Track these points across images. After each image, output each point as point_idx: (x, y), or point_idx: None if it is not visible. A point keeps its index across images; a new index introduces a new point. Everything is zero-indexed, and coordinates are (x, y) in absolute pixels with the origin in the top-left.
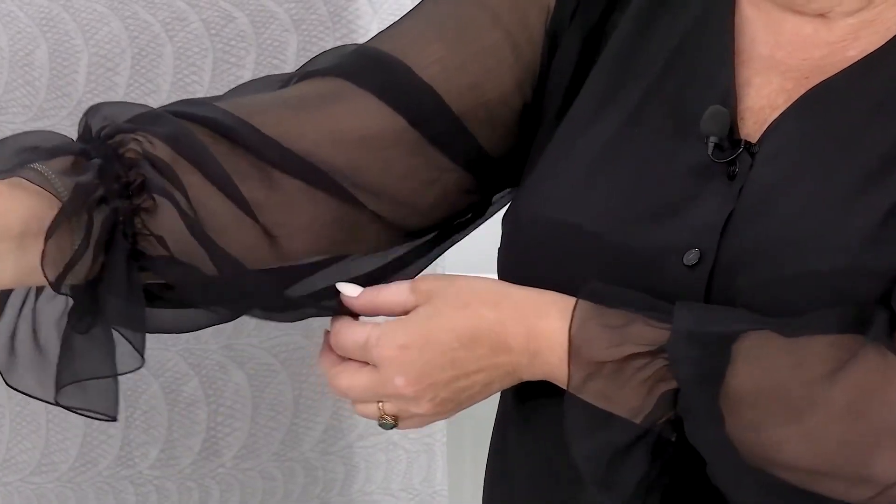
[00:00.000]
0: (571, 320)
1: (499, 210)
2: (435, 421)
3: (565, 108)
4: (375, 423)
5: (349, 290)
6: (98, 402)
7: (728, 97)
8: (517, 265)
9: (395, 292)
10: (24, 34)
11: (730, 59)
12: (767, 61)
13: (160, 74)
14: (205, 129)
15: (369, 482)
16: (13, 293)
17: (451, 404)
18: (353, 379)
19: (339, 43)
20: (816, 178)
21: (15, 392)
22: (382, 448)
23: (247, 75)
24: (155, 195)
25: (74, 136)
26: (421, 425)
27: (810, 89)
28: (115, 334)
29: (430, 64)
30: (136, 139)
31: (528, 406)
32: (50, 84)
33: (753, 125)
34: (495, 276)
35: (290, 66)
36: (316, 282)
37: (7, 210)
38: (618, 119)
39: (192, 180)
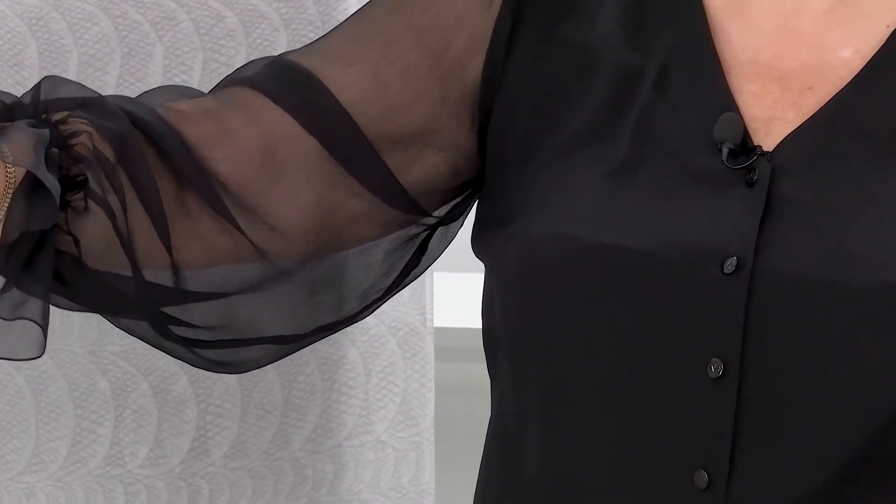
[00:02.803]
0: None
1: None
2: None
3: (539, 125)
4: (364, 422)
5: None
6: None
7: (729, 106)
8: (538, 290)
9: None
10: (13, 34)
11: (719, 70)
12: (753, 66)
13: (150, 74)
14: (140, 132)
15: (358, 481)
16: None
17: None
18: None
19: None
20: (856, 193)
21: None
22: (371, 447)
23: None
24: (89, 201)
25: None
26: None
27: (825, 105)
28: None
29: (348, 85)
30: (88, 132)
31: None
32: None
33: (765, 136)
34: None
35: None
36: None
37: None
38: (626, 134)
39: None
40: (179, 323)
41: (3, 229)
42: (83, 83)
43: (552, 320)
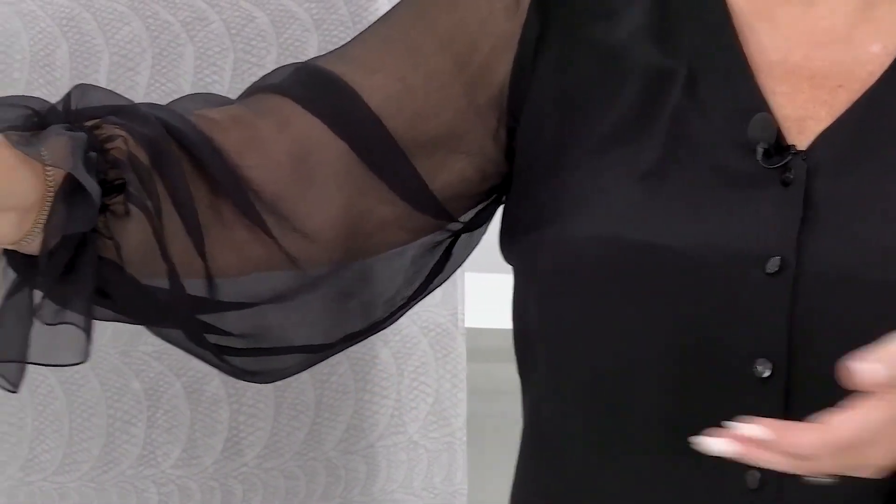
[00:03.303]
0: None
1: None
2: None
3: (567, 129)
4: (396, 422)
5: (878, 373)
6: (6, 374)
7: (761, 107)
8: (578, 292)
9: None
10: (44, 34)
11: (748, 71)
12: (784, 67)
13: (181, 74)
14: (172, 139)
15: (390, 481)
16: None
17: None
18: (832, 461)
19: None
20: (891, 189)
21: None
22: (403, 447)
23: None
24: (129, 204)
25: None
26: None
27: (856, 101)
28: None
29: (377, 90)
30: (122, 136)
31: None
32: (71, 84)
33: (798, 134)
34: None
35: None
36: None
37: (31, 187)
38: (660, 136)
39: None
40: (212, 330)
41: (43, 233)
42: (114, 83)
43: (594, 323)
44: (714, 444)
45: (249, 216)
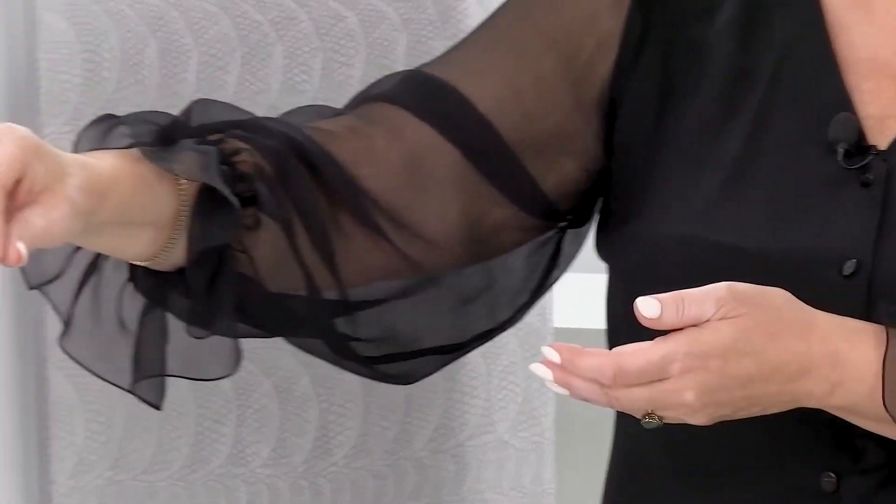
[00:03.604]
0: (886, 350)
1: None
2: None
3: (661, 126)
4: (485, 421)
5: (650, 309)
6: (148, 391)
7: (844, 105)
8: (661, 290)
9: (700, 301)
10: (134, 33)
11: (835, 67)
12: (872, 64)
13: (270, 74)
14: (294, 152)
15: (480, 481)
16: (79, 254)
17: (723, 417)
18: (631, 393)
19: (448, 43)
20: None
21: (128, 392)
22: (493, 447)
23: (356, 75)
24: (261, 215)
25: None
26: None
27: None
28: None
29: (485, 95)
30: (247, 149)
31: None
32: (160, 83)
33: (878, 134)
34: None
35: (399, 66)
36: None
37: (166, 203)
38: (740, 134)
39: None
40: (348, 338)
41: (187, 247)
42: (203, 83)
43: None
44: (536, 368)
45: (369, 225)
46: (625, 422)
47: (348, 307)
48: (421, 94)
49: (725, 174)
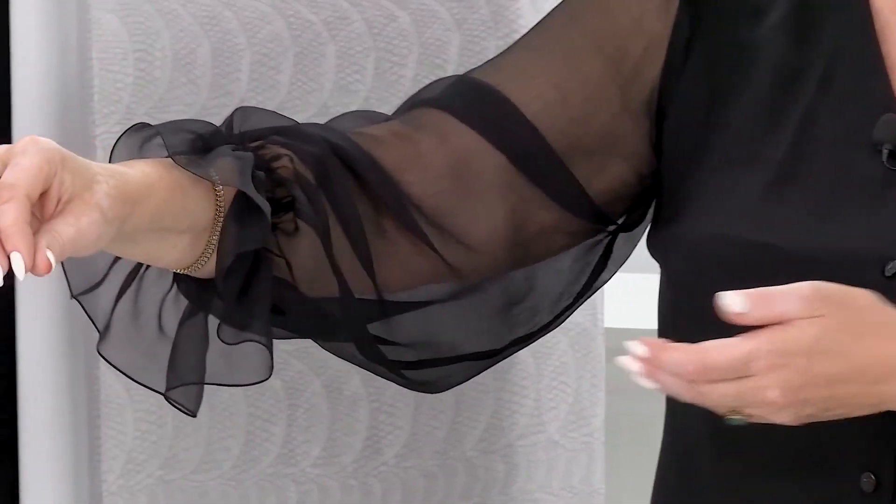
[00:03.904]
0: None
1: None
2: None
3: (708, 126)
4: (536, 422)
5: (736, 304)
6: (185, 397)
7: (890, 107)
8: (702, 290)
9: (785, 298)
10: (186, 32)
11: (882, 69)
12: None
13: (322, 73)
14: (336, 157)
15: (530, 481)
16: (119, 262)
17: (810, 417)
18: (716, 388)
19: (500, 43)
20: None
21: (164, 396)
22: (542, 447)
23: (409, 74)
24: (299, 220)
25: None
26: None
27: None
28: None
29: (533, 99)
30: (288, 155)
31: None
32: (212, 83)
33: None
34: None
35: (451, 66)
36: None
37: (202, 209)
38: (787, 135)
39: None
40: (384, 342)
41: (218, 253)
42: (255, 82)
43: (718, 324)
44: (624, 362)
45: (412, 230)
46: (673, 421)
47: (385, 310)
48: (468, 99)
49: (769, 175)
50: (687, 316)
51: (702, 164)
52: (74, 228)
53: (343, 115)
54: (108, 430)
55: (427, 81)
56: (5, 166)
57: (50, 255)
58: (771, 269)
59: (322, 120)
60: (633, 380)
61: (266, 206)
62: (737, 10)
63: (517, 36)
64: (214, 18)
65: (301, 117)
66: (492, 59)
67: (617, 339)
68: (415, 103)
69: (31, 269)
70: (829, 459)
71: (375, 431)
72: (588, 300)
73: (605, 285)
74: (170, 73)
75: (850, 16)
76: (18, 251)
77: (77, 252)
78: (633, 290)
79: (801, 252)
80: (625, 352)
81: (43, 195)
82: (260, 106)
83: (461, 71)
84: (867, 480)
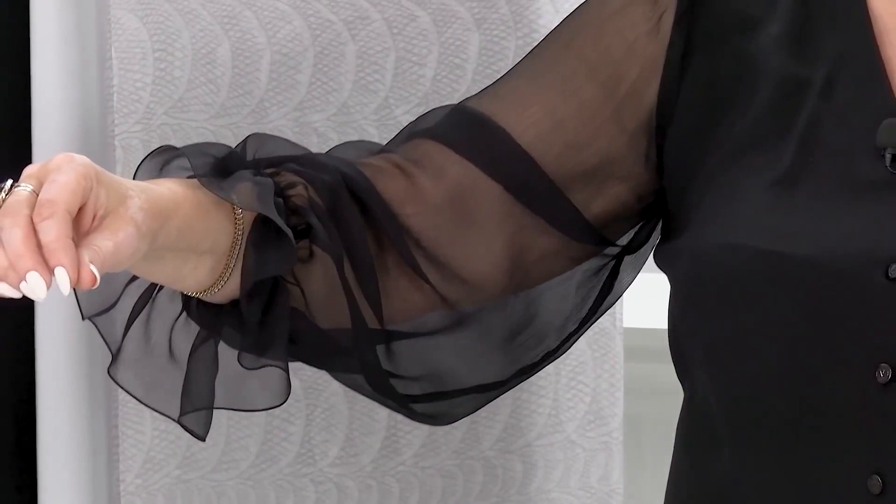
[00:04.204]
0: None
1: None
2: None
3: (712, 139)
4: (554, 421)
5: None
6: (195, 423)
7: (893, 111)
8: (709, 301)
9: None
10: (206, 32)
11: (883, 75)
12: None
13: (342, 73)
14: (346, 188)
15: (547, 480)
16: (130, 286)
17: None
18: None
19: (520, 42)
20: None
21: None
22: (560, 446)
23: (428, 74)
24: (314, 247)
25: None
26: None
27: None
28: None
29: (528, 128)
30: (302, 183)
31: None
32: (232, 82)
33: None
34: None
35: (471, 65)
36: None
37: (224, 231)
38: (791, 144)
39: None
40: (392, 375)
41: (241, 277)
42: (275, 82)
43: (724, 331)
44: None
45: (409, 263)
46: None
47: (390, 337)
48: (464, 130)
49: (774, 184)
50: (695, 327)
51: (706, 176)
52: (113, 242)
53: (341, 144)
54: (126, 430)
55: (447, 81)
56: (41, 184)
57: (94, 268)
58: (779, 277)
59: (342, 120)
60: (650, 380)
61: (289, 232)
62: (731, 24)
63: (537, 36)
64: (234, 18)
65: (320, 117)
66: (487, 87)
67: (636, 339)
68: (411, 134)
69: (76, 283)
70: (835, 463)
71: (394, 431)
72: (586, 329)
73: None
74: (189, 72)
75: (849, 24)
76: (63, 266)
77: (115, 266)
78: (652, 290)
79: (806, 257)
80: (643, 351)
81: (79, 211)
82: (280, 105)
83: (481, 71)
84: (874, 482)
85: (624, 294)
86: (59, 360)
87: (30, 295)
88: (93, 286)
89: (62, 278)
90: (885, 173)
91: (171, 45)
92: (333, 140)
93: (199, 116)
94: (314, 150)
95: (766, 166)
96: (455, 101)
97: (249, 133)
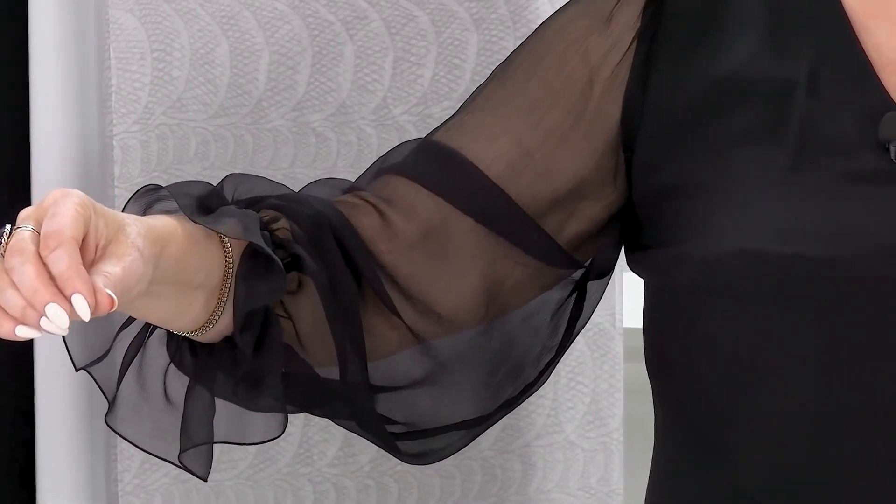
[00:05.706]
0: None
1: None
2: None
3: (694, 147)
4: (553, 422)
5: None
6: (195, 461)
7: (889, 105)
8: (722, 309)
9: None
10: (205, 32)
11: (871, 72)
12: None
13: (340, 73)
14: (327, 225)
15: (546, 481)
16: (123, 334)
17: None
18: None
19: (519, 42)
20: None
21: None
22: (560, 447)
23: (427, 74)
24: (302, 276)
25: (254, 133)
26: None
27: None
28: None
29: (496, 160)
30: (284, 218)
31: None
32: (230, 82)
33: None
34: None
35: (470, 65)
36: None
37: (214, 265)
38: (789, 145)
39: None
40: (384, 420)
41: (234, 308)
42: (273, 81)
43: (748, 337)
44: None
45: (384, 300)
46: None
47: (372, 389)
48: (432, 165)
49: (777, 184)
50: (699, 337)
51: (695, 183)
52: (121, 268)
53: (313, 183)
54: None
55: (445, 81)
56: (40, 222)
57: (110, 291)
58: (790, 278)
59: (340, 120)
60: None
61: (278, 260)
62: (696, 32)
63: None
64: (233, 18)
65: (319, 117)
66: (453, 117)
67: (636, 339)
68: (380, 171)
69: (96, 309)
70: (862, 463)
71: None
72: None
73: (624, 285)
74: (188, 72)
75: (825, 24)
76: (80, 293)
77: (125, 292)
78: None
79: (820, 257)
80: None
81: (82, 243)
82: (278, 105)
83: (479, 71)
84: None
85: (623, 294)
86: (58, 359)
87: (53, 330)
88: (111, 309)
89: (81, 305)
90: (891, 166)
91: (170, 45)
92: (332, 140)
93: (197, 116)
94: (312, 149)
95: (765, 167)
96: (454, 102)
97: (247, 133)
